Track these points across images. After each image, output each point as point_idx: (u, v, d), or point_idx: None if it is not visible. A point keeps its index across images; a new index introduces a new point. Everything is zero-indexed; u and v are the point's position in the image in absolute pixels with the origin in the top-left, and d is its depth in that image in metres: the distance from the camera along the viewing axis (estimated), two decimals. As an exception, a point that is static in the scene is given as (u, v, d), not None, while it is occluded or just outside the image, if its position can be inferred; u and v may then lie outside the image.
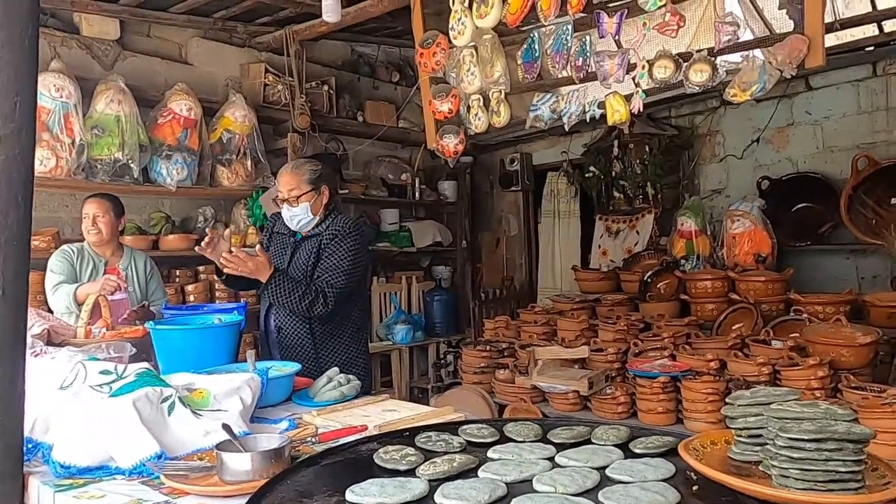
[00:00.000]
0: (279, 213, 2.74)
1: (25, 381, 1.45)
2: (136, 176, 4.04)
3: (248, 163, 4.59)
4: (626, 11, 3.05)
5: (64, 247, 3.15)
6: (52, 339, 2.35)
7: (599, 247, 5.56)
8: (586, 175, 5.55)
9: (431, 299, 5.90)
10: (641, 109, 3.03)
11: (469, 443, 1.28)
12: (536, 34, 3.32)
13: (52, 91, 3.70)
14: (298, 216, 2.62)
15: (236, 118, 4.51)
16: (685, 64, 2.87)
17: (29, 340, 2.14)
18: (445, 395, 3.87)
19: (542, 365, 3.50)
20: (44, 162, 3.65)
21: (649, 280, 4.46)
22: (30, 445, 1.50)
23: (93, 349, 2.05)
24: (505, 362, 3.84)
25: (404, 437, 1.33)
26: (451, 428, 1.35)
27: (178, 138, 4.23)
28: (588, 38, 3.13)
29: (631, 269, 4.88)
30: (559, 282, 6.07)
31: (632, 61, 3.04)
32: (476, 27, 3.48)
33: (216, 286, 4.42)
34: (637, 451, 1.21)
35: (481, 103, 3.64)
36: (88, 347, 2.05)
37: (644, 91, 3.01)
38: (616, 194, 5.44)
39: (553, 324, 4.23)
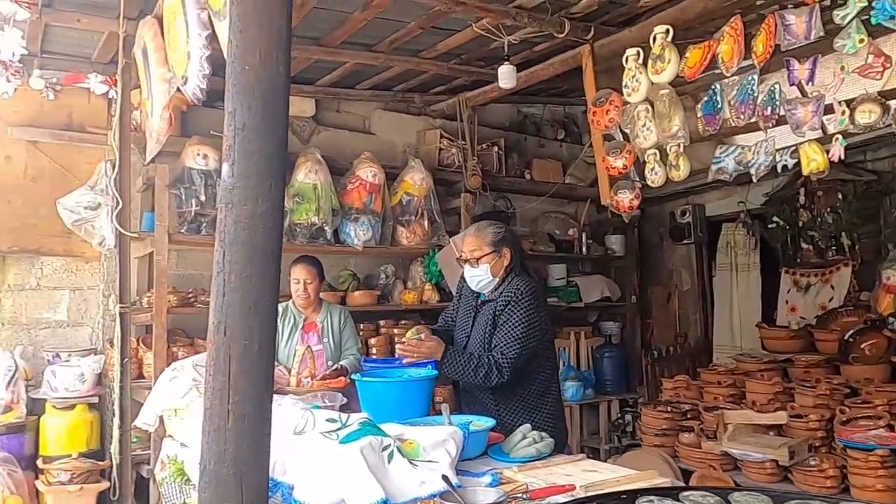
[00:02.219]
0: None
1: (271, 425, 1.64)
2: (328, 237, 4.43)
3: (425, 222, 4.85)
4: (818, 56, 2.91)
5: None
6: (271, 387, 2.61)
7: (787, 302, 5.16)
8: (769, 226, 5.22)
9: (601, 356, 5.77)
10: (842, 157, 2.83)
11: (696, 510, 1.24)
12: (718, 86, 3.25)
13: (263, 165, 4.19)
14: (479, 277, 2.66)
15: (415, 181, 4.81)
16: (894, 105, 2.66)
17: (257, 388, 2.41)
18: (625, 458, 3.73)
19: (732, 430, 3.28)
20: (255, 227, 4.11)
21: (851, 339, 4.06)
22: (271, 484, 1.67)
23: (310, 397, 2.26)
24: (689, 425, 3.65)
25: (623, 499, 1.32)
26: (671, 493, 1.32)
27: (365, 202, 4.59)
28: (777, 85, 3.01)
29: (827, 326, 4.47)
30: (738, 339, 5.68)
31: (827, 105, 2.88)
32: (651, 83, 3.48)
33: (396, 340, 4.66)
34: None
35: (658, 157, 3.60)
36: (306, 396, 2.26)
37: (844, 138, 2.82)
38: (804, 245, 5.06)
39: (740, 385, 3.96)
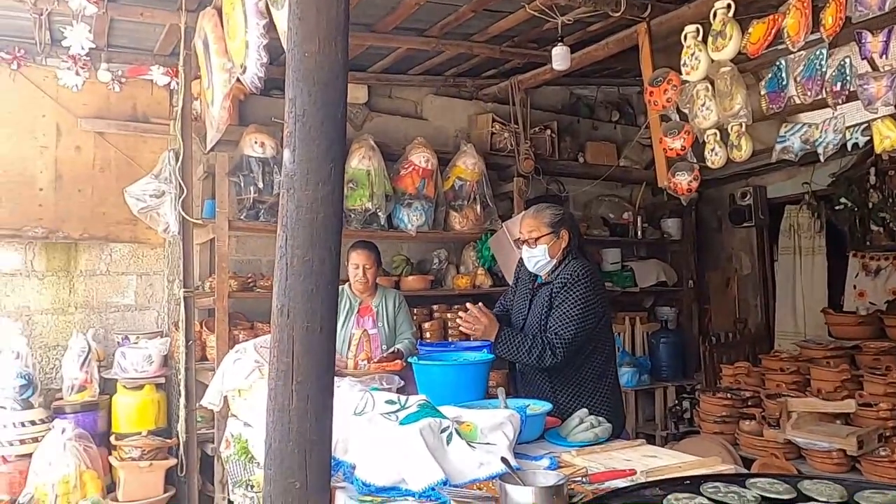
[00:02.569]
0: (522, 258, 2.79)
1: (333, 406, 1.68)
2: (382, 223, 4.47)
3: (478, 207, 4.84)
4: (893, 27, 2.76)
5: None
6: (329, 369, 2.67)
7: (855, 287, 4.96)
8: (836, 207, 5.02)
9: (657, 341, 5.67)
10: (919, 133, 2.69)
11: (764, 498, 1.21)
12: (784, 61, 3.12)
13: (318, 152, 4.25)
14: (536, 257, 2.66)
15: (467, 166, 4.80)
16: (977, 79, 2.51)
17: (316, 370, 2.47)
18: (683, 444, 3.67)
19: (797, 418, 3.19)
20: (311, 213, 4.19)
21: (925, 326, 3.87)
22: (333, 462, 1.71)
23: (368, 381, 2.30)
24: (751, 412, 3.56)
25: (687, 485, 1.30)
26: (738, 480, 1.30)
27: (417, 187, 4.61)
28: (848, 59, 2.87)
29: (898, 312, 4.28)
30: (802, 325, 5.51)
31: (903, 81, 2.73)
32: (711, 60, 3.37)
33: (449, 324, 4.69)
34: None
35: (718, 137, 3.49)
36: (365, 379, 2.30)
37: (921, 113, 2.68)
38: (874, 228, 4.84)
39: (804, 372, 3.84)
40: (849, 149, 2.97)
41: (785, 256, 5.71)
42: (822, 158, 3.09)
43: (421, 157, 4.62)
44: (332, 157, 1.66)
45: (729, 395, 3.77)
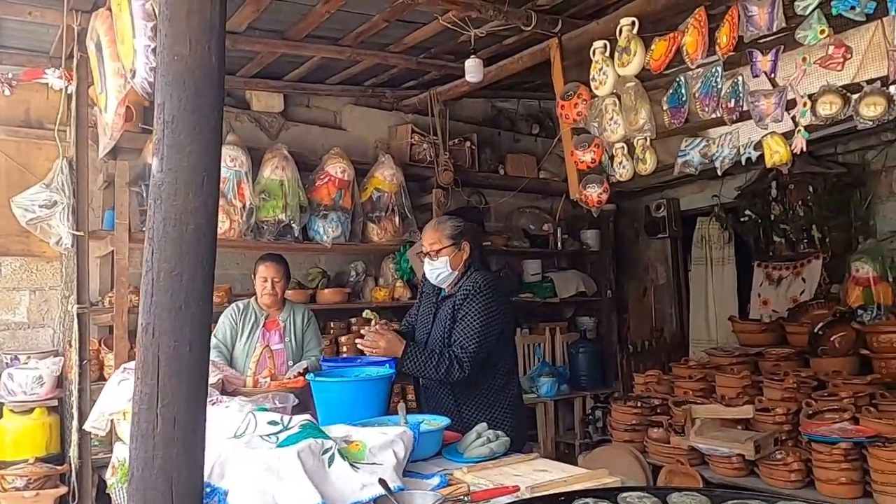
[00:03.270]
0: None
1: (205, 428, 1.58)
2: (296, 235, 4.36)
3: (396, 219, 4.79)
4: (781, 47, 2.88)
5: (232, 305, 3.44)
6: (225, 388, 2.55)
7: (759, 296, 5.16)
8: (741, 219, 5.23)
9: (576, 351, 5.74)
10: (804, 149, 2.81)
11: (631, 513, 1.21)
12: (683, 78, 3.22)
13: (228, 161, 4.11)
14: (438, 270, 2.65)
15: (385, 177, 4.75)
16: (854, 97, 2.64)
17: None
18: (595, 454, 3.71)
19: (700, 424, 3.27)
20: (220, 225, 4.03)
21: (821, 332, 4.05)
22: (208, 489, 1.61)
23: (260, 399, 2.20)
24: (658, 420, 3.63)
25: (560, 501, 1.28)
26: (610, 495, 1.29)
27: (334, 198, 4.53)
28: (740, 77, 2.98)
29: (798, 320, 4.47)
30: (714, 333, 5.69)
31: (790, 98, 2.85)
32: (618, 76, 3.45)
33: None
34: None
35: (626, 151, 3.57)
36: (256, 398, 2.21)
37: (806, 130, 2.80)
38: (776, 239, 5.06)
39: (710, 379, 3.94)
40: (742, 163, 3.08)
41: (697, 266, 5.90)
42: (718, 172, 3.20)
43: (337, 168, 4.54)
44: (204, 166, 1.58)
45: (639, 404, 3.84)
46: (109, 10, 2.95)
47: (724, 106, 3.04)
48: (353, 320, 4.74)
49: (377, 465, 1.68)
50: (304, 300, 4.38)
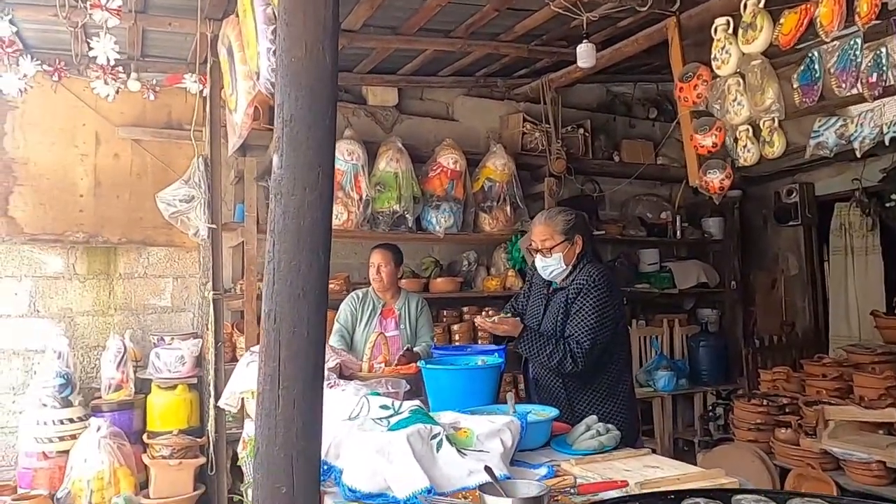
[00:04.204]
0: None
1: (323, 410, 1.67)
2: (410, 225, 4.48)
3: (508, 208, 4.79)
4: (934, 13, 2.60)
5: (353, 293, 3.60)
6: (343, 373, 2.68)
7: (908, 288, 4.69)
8: (887, 204, 4.76)
9: (696, 344, 5.50)
10: (962, 126, 2.52)
11: (745, 516, 1.15)
12: (817, 52, 2.98)
13: (345, 155, 4.29)
14: (551, 266, 2.61)
15: (497, 167, 4.76)
16: None
17: (325, 373, 2.48)
18: (715, 452, 3.54)
19: (834, 427, 3.03)
20: (338, 216, 4.23)
21: (981, 330, 3.63)
22: (325, 468, 1.71)
23: (374, 384, 2.29)
24: (786, 420, 3.41)
25: (669, 499, 1.25)
26: (723, 496, 1.23)
27: (446, 189, 4.60)
28: (884, 49, 2.71)
29: (953, 315, 4.03)
30: (855, 329, 5.24)
31: (945, 70, 2.57)
32: (742, 54, 3.24)
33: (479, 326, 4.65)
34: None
35: (750, 133, 3.35)
36: (371, 382, 2.30)
37: (964, 104, 2.51)
38: (929, 226, 4.57)
39: (848, 378, 3.64)
40: (886, 143, 2.81)
41: (836, 256, 5.46)
42: (858, 153, 2.94)
43: (449, 159, 4.60)
44: (319, 162, 1.66)
45: (765, 402, 3.62)
46: (237, 16, 3.16)
47: (864, 81, 2.77)
48: (465, 309, 4.81)
49: (484, 452, 1.70)
50: (417, 289, 4.49)
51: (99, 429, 3.53)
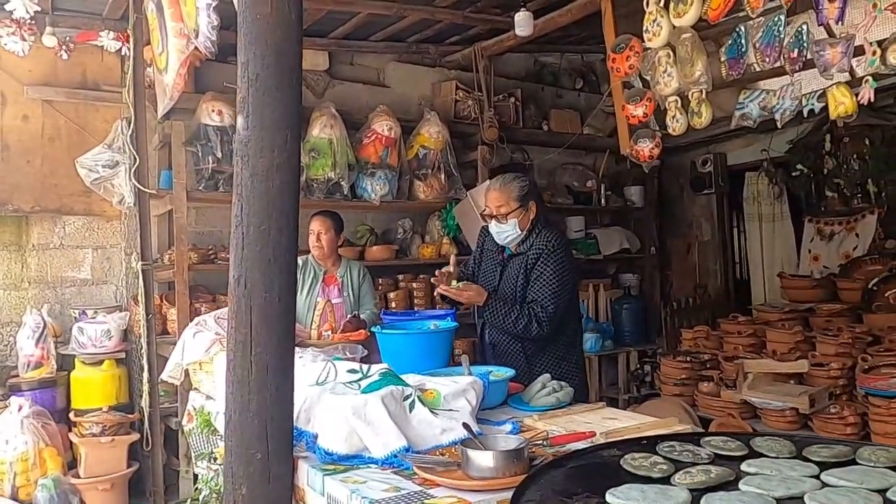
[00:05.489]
0: (487, 229, 2.76)
1: (294, 375, 1.66)
2: (345, 192, 4.42)
3: (442, 176, 4.81)
4: (849, -6, 2.79)
5: None
6: (292, 340, 2.64)
7: (810, 251, 5.09)
8: (792, 174, 5.12)
9: (620, 307, 5.76)
10: (872, 99, 2.74)
11: (717, 455, 1.25)
12: (743, 28, 3.14)
13: (278, 120, 4.16)
14: (507, 232, 2.63)
15: (431, 134, 4.75)
16: (928, 46, 2.55)
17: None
18: (644, 406, 3.76)
19: (752, 379, 3.28)
20: (272, 183, 4.11)
21: (875, 288, 4.01)
22: (296, 432, 1.70)
23: (331, 350, 2.28)
24: (709, 374, 3.65)
25: (643, 445, 1.33)
26: (693, 439, 1.33)
27: (381, 156, 4.56)
28: (805, 26, 2.89)
29: (850, 275, 4.42)
30: (770, 291, 5.60)
31: (858, 46, 2.77)
32: (673, 27, 3.37)
33: (415, 294, 4.69)
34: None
35: (679, 104, 3.51)
36: (327, 349, 2.29)
37: (875, 79, 2.72)
38: (829, 194, 4.97)
39: (761, 335, 3.94)
40: (805, 115, 3.02)
41: (751, 224, 5.81)
42: (779, 125, 3.14)
43: (384, 126, 4.55)
44: (287, 123, 1.62)
45: (688, 359, 3.86)
46: (168, -31, 2.98)
47: (786, 56, 2.96)
48: (400, 277, 4.82)
49: (454, 411, 1.74)
50: (353, 257, 4.45)
51: (20, 408, 3.33)
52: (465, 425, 1.54)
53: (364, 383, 1.74)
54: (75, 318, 3.92)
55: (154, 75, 3.55)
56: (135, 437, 3.61)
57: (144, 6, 3.34)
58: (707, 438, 1.32)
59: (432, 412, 1.69)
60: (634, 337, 5.72)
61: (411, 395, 1.70)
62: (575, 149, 5.91)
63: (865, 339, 3.51)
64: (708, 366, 3.79)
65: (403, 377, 1.97)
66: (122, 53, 4.06)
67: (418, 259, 4.82)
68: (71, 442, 3.60)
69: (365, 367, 1.85)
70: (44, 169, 4.05)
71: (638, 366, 5.41)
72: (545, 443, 1.59)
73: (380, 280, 4.78)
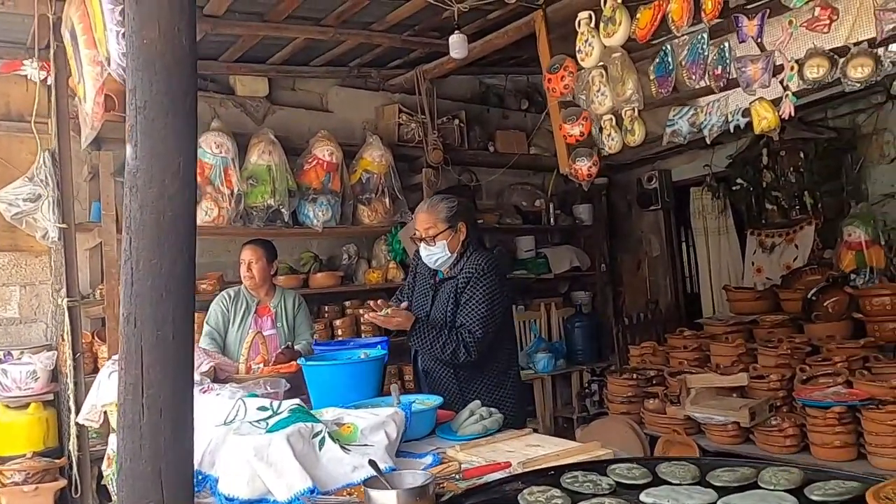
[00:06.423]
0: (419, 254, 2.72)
1: (193, 417, 1.57)
2: (286, 220, 4.33)
3: (387, 200, 4.76)
4: (767, 11, 2.85)
5: (222, 293, 3.42)
6: (217, 376, 2.54)
7: (753, 263, 5.17)
8: (733, 188, 5.21)
9: (572, 326, 5.76)
10: (792, 114, 2.79)
11: (619, 484, 1.20)
12: (669, 46, 3.18)
13: (214, 148, 4.07)
14: (436, 255, 2.58)
15: (374, 158, 4.71)
16: (842, 60, 2.61)
17: (197, 377, 2.34)
18: (592, 427, 3.72)
19: (695, 394, 3.27)
20: (207, 212, 4.01)
21: (814, 298, 4.06)
22: (199, 477, 1.61)
23: (252, 385, 2.19)
24: (654, 391, 3.64)
25: (550, 475, 1.28)
26: (599, 467, 1.28)
27: (322, 182, 4.49)
28: (727, 44, 2.94)
29: (791, 286, 4.48)
30: (718, 304, 5.66)
31: (778, 63, 2.82)
32: (604, 46, 3.40)
33: (361, 320, 4.60)
34: (815, 498, 1.07)
35: (614, 123, 3.53)
36: (248, 384, 2.20)
37: (794, 94, 2.77)
38: (769, 206, 5.06)
39: (705, 349, 3.95)
40: (731, 130, 3.06)
41: (698, 238, 5.89)
42: (707, 140, 3.18)
43: (325, 151, 4.50)
44: (179, 151, 1.54)
45: (634, 376, 3.84)
46: (82, -4, 2.90)
47: (711, 73, 3.00)
48: (346, 303, 4.74)
49: (368, 446, 1.67)
50: (297, 285, 4.37)
51: (-65, 459, 3.13)
52: (372, 462, 1.47)
53: (272, 421, 1.66)
54: (0, 359, 3.73)
55: (78, 105, 3.44)
56: (61, 483, 3.42)
57: (62, 34, 3.24)
58: (612, 466, 1.27)
59: (343, 449, 1.62)
60: (587, 355, 5.71)
61: (321, 431, 1.62)
62: (522, 168, 5.94)
63: (805, 350, 3.53)
64: (654, 382, 3.77)
65: (322, 411, 1.90)
66: (48, 83, 3.93)
67: (365, 285, 4.75)
68: (-7, 492, 3.40)
69: (276, 404, 1.76)
70: (-36, 204, 3.87)
71: (586, 385, 5.38)
72: (457, 476, 1.53)
73: (326, 307, 4.69)
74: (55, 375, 3.75)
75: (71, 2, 3.02)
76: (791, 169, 4.86)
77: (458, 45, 3.91)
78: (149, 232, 1.50)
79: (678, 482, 1.19)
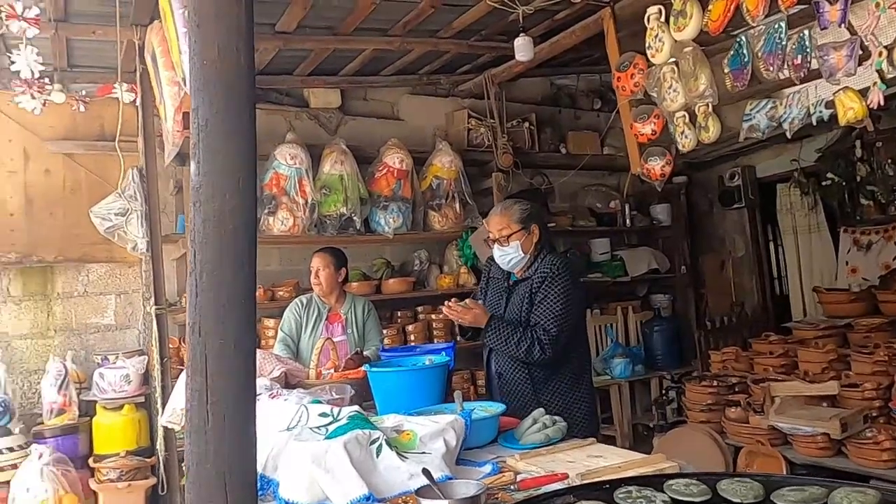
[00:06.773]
0: (493, 258, 2.73)
1: (256, 423, 1.62)
2: (358, 227, 4.42)
3: (457, 205, 4.78)
4: (851, -5, 2.66)
5: (296, 300, 3.52)
6: (288, 381, 2.62)
7: (847, 263, 4.85)
8: (823, 183, 4.90)
9: (651, 330, 5.57)
10: (882, 103, 2.59)
11: (674, 501, 1.14)
12: (744, 37, 3.03)
13: (288, 159, 4.21)
14: (509, 255, 2.60)
15: (444, 164, 4.74)
16: (937, 43, 2.41)
17: (268, 383, 2.42)
18: (669, 436, 3.59)
19: (780, 403, 3.10)
20: (283, 221, 4.16)
21: (917, 300, 3.76)
22: (263, 482, 1.66)
23: (318, 391, 2.24)
24: (736, 399, 3.47)
25: (605, 489, 1.23)
26: (656, 482, 1.23)
27: (393, 189, 4.56)
28: (807, 32, 2.77)
29: (890, 287, 4.18)
30: (809, 306, 5.33)
31: (865, 49, 2.63)
32: (675, 41, 3.29)
33: (433, 325, 4.63)
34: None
35: (687, 120, 3.40)
36: (314, 390, 2.25)
37: (884, 82, 2.57)
38: (864, 201, 4.73)
39: (793, 354, 3.74)
40: (814, 123, 2.87)
41: (786, 237, 5.59)
42: (788, 134, 3.00)
43: (395, 158, 4.56)
44: (239, 167, 1.60)
45: (715, 383, 3.68)
46: (161, 20, 3.07)
47: (790, 63, 2.83)
48: (419, 309, 4.78)
49: (426, 454, 1.67)
50: (369, 291, 4.45)
51: (41, 456, 3.38)
52: (425, 471, 1.47)
53: (331, 428, 1.69)
54: (98, 363, 3.99)
55: (161, 124, 3.64)
56: (152, 481, 3.63)
57: (146, 57, 3.44)
58: (670, 482, 1.21)
59: (401, 456, 1.63)
60: (668, 360, 5.52)
61: (379, 438, 1.64)
62: (596, 169, 5.82)
63: (905, 356, 3.28)
64: (736, 389, 3.60)
65: (383, 418, 1.92)
66: (137, 104, 4.18)
67: (436, 290, 4.78)
68: (92, 489, 3.63)
69: (336, 410, 1.80)
70: (66, 220, 4.18)
71: (662, 392, 5.19)
72: (513, 487, 1.51)
73: (398, 313, 4.75)
74: (146, 378, 3.98)
75: (153, 27, 3.20)
76: (889, 161, 4.53)
77: (523, 48, 3.87)
78: (211, 245, 1.57)
79: (739, 501, 1.12)
